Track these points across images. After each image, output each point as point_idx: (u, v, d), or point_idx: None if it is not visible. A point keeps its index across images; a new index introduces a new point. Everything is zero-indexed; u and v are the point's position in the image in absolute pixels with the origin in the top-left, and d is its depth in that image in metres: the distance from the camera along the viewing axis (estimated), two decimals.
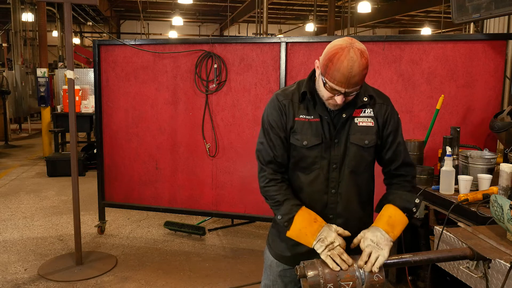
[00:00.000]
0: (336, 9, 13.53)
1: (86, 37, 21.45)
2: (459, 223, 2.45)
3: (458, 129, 3.09)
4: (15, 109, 11.48)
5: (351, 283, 1.44)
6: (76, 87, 7.87)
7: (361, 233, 1.60)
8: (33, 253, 4.21)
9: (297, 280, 1.73)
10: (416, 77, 3.69)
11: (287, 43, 3.94)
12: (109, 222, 4.94)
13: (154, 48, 4.31)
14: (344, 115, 1.65)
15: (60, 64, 11.91)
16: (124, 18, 21.70)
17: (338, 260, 1.48)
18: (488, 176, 2.73)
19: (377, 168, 1.81)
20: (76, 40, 19.62)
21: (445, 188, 2.81)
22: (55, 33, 16.54)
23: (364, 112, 1.69)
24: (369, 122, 1.68)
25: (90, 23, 18.05)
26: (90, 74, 8.68)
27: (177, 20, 15.25)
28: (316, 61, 1.63)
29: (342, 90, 1.54)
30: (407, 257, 1.57)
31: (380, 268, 1.49)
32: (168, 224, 4.77)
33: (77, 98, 7.72)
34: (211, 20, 21.35)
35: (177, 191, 4.42)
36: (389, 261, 1.54)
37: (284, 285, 1.79)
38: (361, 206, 1.74)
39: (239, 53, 4.11)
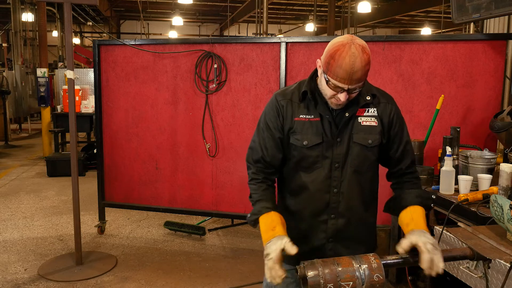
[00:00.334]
0: (336, 9, 13.53)
1: (86, 37, 21.45)
2: (459, 223, 2.45)
3: (458, 129, 3.09)
4: (15, 109, 11.48)
5: (351, 283, 1.44)
6: (76, 87, 7.87)
7: (413, 238, 1.50)
8: (33, 253, 4.21)
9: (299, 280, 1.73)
10: (416, 77, 3.69)
11: (287, 43, 3.94)
12: (109, 222, 4.94)
13: (154, 48, 4.31)
14: (347, 114, 1.65)
15: (60, 64, 11.91)
16: (124, 18, 21.70)
17: (268, 273, 1.48)
18: (488, 176, 2.73)
19: (381, 169, 1.80)
20: (76, 40, 19.62)
21: (445, 188, 2.81)
22: (55, 33, 16.54)
23: (368, 111, 1.68)
24: (373, 122, 1.68)
25: (90, 23, 18.05)
26: (90, 74, 8.68)
27: (177, 20, 15.25)
28: (318, 60, 1.62)
29: (345, 87, 1.53)
30: (407, 257, 1.57)
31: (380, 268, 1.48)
32: (168, 224, 4.77)
33: (77, 98, 7.72)
34: (211, 20, 21.36)
35: (177, 191, 4.42)
36: (389, 261, 1.54)
37: (285, 285, 1.79)
38: (364, 206, 1.73)
39: (239, 53, 4.11)
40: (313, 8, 13.49)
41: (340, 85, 1.53)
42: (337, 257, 1.50)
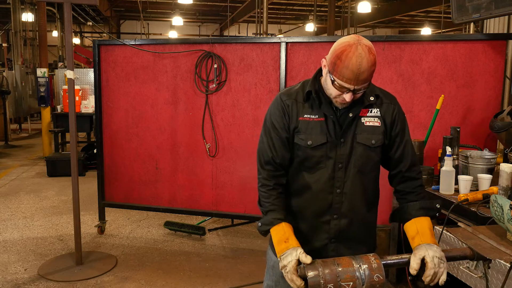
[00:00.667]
0: (336, 9, 13.53)
1: (86, 37, 21.45)
2: (459, 223, 2.45)
3: (458, 129, 3.09)
4: (15, 109, 11.48)
5: (351, 283, 1.44)
6: (76, 87, 7.87)
7: (421, 254, 1.54)
8: (33, 253, 4.21)
9: None
10: (416, 77, 3.69)
11: (287, 43, 3.94)
12: (109, 222, 4.94)
13: (154, 48, 4.31)
14: (350, 115, 1.65)
15: (60, 64, 11.91)
16: (124, 18, 21.70)
17: (289, 282, 1.52)
18: (488, 176, 2.73)
19: (381, 169, 1.80)
20: (76, 40, 19.62)
21: (445, 188, 2.81)
22: (55, 33, 16.53)
23: (371, 111, 1.68)
24: (376, 122, 1.68)
25: (90, 23, 18.05)
26: (90, 74, 8.68)
27: (177, 20, 15.25)
28: (323, 59, 1.62)
29: (351, 87, 1.53)
30: (407, 257, 1.57)
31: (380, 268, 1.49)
32: (168, 224, 4.77)
33: (77, 98, 7.72)
34: (211, 20, 21.35)
35: (177, 191, 4.42)
36: (389, 261, 1.54)
37: (286, 285, 1.80)
38: (367, 207, 1.73)
39: (239, 53, 4.11)
40: (313, 8, 13.49)
41: (346, 85, 1.53)
42: (337, 257, 1.51)
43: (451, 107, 3.64)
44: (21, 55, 11.69)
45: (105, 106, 4.51)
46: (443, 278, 1.52)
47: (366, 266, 1.46)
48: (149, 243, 4.49)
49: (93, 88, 5.87)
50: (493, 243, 1.98)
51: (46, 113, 8.92)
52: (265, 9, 8.51)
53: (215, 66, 4.14)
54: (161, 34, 20.81)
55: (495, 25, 5.02)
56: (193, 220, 5.08)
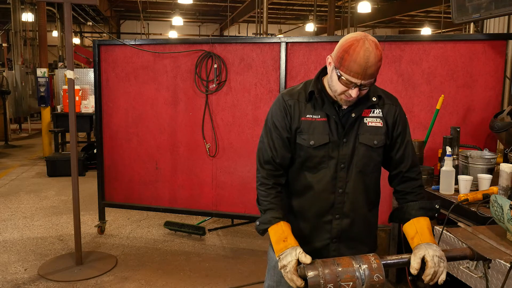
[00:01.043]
0: (336, 9, 13.53)
1: (86, 37, 21.45)
2: (459, 223, 2.45)
3: (458, 129, 3.09)
4: (15, 109, 11.48)
5: (351, 283, 1.44)
6: (76, 87, 7.87)
7: (420, 253, 1.54)
8: (33, 253, 4.21)
9: None
10: (416, 77, 3.69)
11: (287, 43, 3.94)
12: (109, 222, 4.94)
13: (154, 48, 4.31)
14: (353, 115, 1.65)
15: (60, 64, 11.92)
16: (124, 18, 21.70)
17: (289, 282, 1.52)
18: (488, 176, 2.73)
19: (382, 171, 1.80)
20: (76, 40, 19.61)
21: (445, 188, 2.81)
22: (55, 33, 16.53)
23: (373, 112, 1.69)
24: (378, 123, 1.68)
25: (90, 23, 18.05)
26: (90, 74, 8.68)
27: (177, 20, 15.25)
28: (328, 56, 1.62)
29: (358, 82, 1.53)
30: (407, 257, 1.57)
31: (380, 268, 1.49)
32: (168, 224, 4.77)
33: (77, 98, 7.72)
34: (211, 20, 21.35)
35: (177, 191, 4.42)
36: (389, 261, 1.54)
37: (288, 285, 1.80)
38: (368, 207, 1.74)
39: (239, 53, 4.11)
40: (313, 8, 13.49)
41: (353, 80, 1.53)
42: (337, 257, 1.51)
43: (451, 107, 3.64)
44: (21, 55, 11.69)
45: (105, 106, 4.51)
46: (442, 277, 1.52)
47: (366, 266, 1.46)
48: (149, 243, 4.49)
49: (93, 88, 5.87)
50: (493, 243, 1.98)
51: (46, 113, 8.92)
52: (265, 9, 8.51)
53: (215, 66, 4.14)
54: (161, 34, 20.80)
55: (495, 25, 5.02)
56: (193, 220, 5.08)
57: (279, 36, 9.09)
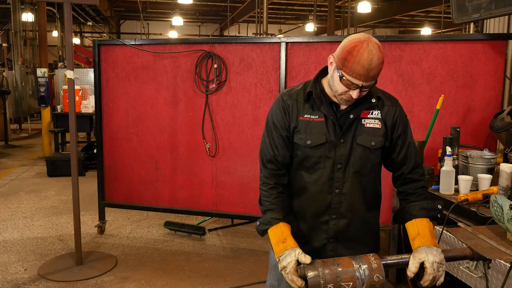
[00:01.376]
0: (336, 9, 13.53)
1: (86, 37, 21.45)
2: (459, 223, 2.45)
3: (458, 129, 3.09)
4: (15, 109, 11.48)
5: (351, 283, 1.44)
6: (76, 87, 7.87)
7: (420, 257, 1.54)
8: (33, 253, 4.21)
9: None
10: (416, 77, 3.69)
11: (287, 43, 3.93)
12: (109, 222, 4.94)
13: (154, 48, 4.31)
14: (351, 116, 1.65)
15: (60, 64, 11.92)
16: (124, 18, 21.70)
17: (290, 283, 1.52)
18: (488, 176, 2.73)
19: (382, 170, 1.79)
20: (76, 40, 19.61)
21: (445, 188, 2.81)
22: (55, 33, 16.53)
23: (372, 113, 1.69)
24: (376, 124, 1.68)
25: (90, 23, 18.05)
26: (90, 74, 8.68)
27: (177, 20, 15.25)
28: (330, 56, 1.62)
29: (360, 83, 1.53)
30: (407, 257, 1.57)
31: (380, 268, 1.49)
32: (168, 224, 4.77)
33: (77, 98, 7.72)
34: (211, 20, 21.35)
35: (177, 191, 4.42)
36: (389, 261, 1.54)
37: (288, 284, 1.80)
38: (366, 207, 1.73)
39: (239, 53, 4.11)
40: (313, 8, 13.49)
41: (355, 81, 1.53)
42: (337, 258, 1.51)
43: (451, 107, 3.64)
44: (21, 55, 11.69)
45: (105, 106, 4.51)
46: (441, 280, 1.53)
47: (366, 266, 1.46)
48: (149, 243, 4.49)
49: (93, 88, 5.87)
50: (493, 243, 1.98)
51: (46, 113, 8.93)
52: (265, 9, 8.51)
53: (215, 66, 4.14)
54: (161, 34, 20.80)
55: (495, 25, 5.02)
56: (193, 220, 5.08)
57: (279, 36, 9.08)
